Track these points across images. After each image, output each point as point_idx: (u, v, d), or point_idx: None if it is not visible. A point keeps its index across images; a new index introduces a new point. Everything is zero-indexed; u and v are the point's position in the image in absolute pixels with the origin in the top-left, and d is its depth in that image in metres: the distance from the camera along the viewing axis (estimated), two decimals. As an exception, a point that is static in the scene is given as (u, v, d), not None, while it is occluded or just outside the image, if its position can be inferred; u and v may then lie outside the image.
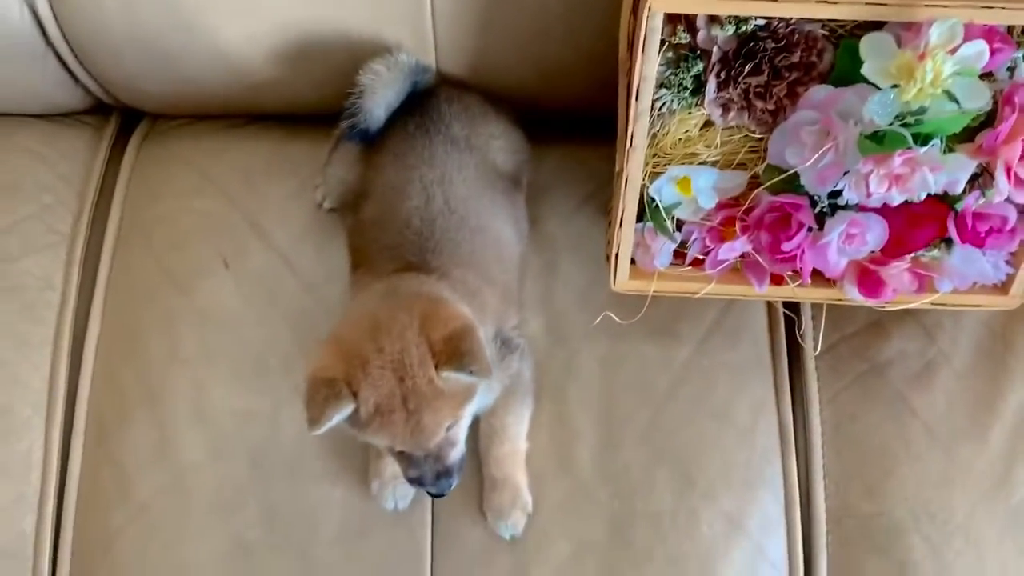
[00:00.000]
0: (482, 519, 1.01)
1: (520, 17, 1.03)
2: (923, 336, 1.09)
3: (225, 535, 1.01)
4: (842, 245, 0.94)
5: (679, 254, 1.01)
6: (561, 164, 1.14)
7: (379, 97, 1.00)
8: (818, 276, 0.98)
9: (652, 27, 0.85)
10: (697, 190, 0.95)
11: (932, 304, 1.00)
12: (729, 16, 0.86)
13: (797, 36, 0.88)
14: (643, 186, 0.95)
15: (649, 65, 0.87)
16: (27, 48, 1.07)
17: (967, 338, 1.08)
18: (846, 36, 0.89)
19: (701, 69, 0.89)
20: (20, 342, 1.07)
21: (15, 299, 1.08)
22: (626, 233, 0.97)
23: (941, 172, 0.85)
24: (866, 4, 0.84)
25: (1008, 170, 0.86)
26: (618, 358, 1.06)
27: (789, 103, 0.90)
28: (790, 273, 0.99)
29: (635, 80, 0.88)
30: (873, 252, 0.95)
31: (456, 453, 0.92)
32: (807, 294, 1.02)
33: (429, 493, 0.94)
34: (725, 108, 0.92)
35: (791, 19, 0.87)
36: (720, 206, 0.97)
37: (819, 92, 0.88)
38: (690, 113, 0.92)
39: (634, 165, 0.93)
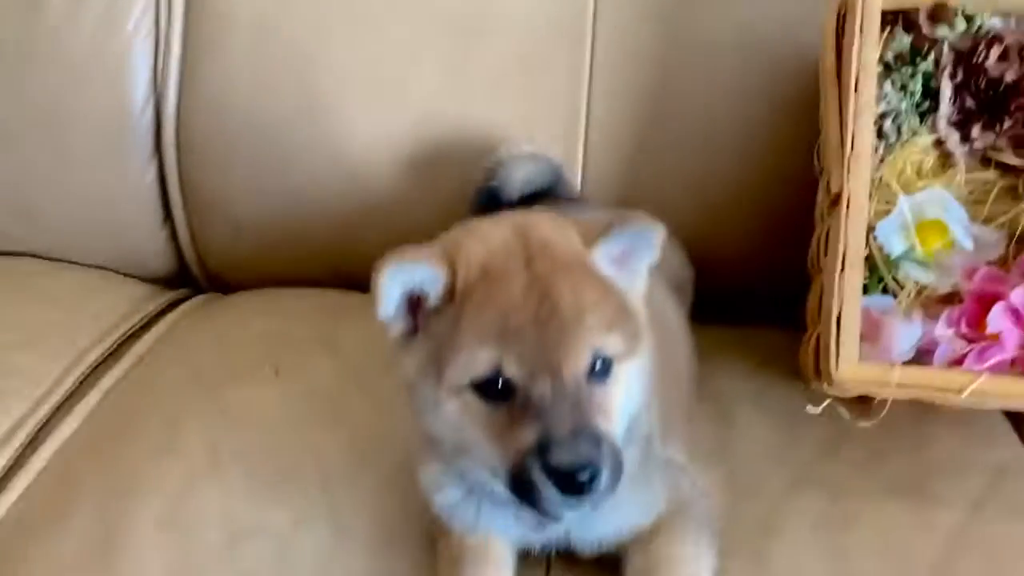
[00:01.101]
0: None
1: (681, 143, 0.89)
2: None
3: None
4: None
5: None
6: (728, 336, 0.88)
7: (520, 168, 0.86)
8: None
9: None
10: (952, 224, 0.70)
11: None
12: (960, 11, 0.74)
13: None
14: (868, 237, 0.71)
15: (869, 50, 0.72)
16: (138, 153, 0.96)
17: None
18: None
19: (930, 68, 0.74)
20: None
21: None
22: (852, 286, 0.69)
23: None
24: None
25: None
26: (844, 517, 0.67)
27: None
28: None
29: (853, 69, 0.72)
30: None
31: (606, 423, 0.54)
32: None
33: (557, 476, 0.51)
34: (964, 126, 0.73)
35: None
36: (972, 272, 0.71)
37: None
38: (919, 135, 0.74)
39: (858, 182, 0.70)
